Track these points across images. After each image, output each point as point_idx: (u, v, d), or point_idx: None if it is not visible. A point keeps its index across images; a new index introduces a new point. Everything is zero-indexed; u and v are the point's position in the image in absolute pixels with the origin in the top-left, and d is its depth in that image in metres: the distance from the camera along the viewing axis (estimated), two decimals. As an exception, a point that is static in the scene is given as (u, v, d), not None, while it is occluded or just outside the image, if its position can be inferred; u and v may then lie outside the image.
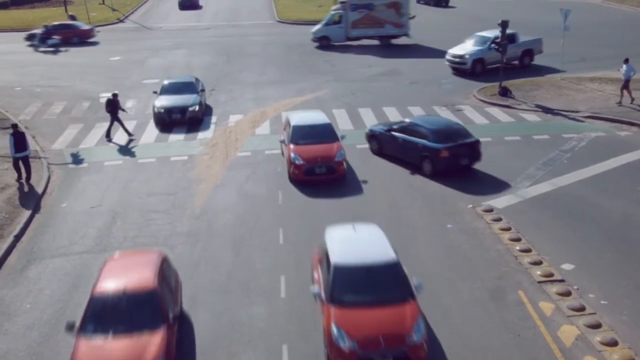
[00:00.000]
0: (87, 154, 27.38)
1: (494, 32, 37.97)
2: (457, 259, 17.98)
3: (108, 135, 29.32)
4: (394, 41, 50.53)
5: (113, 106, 29.28)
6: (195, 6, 77.09)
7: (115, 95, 29.65)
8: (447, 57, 40.47)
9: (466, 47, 40.01)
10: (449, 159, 23.37)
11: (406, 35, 50.09)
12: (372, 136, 26.59)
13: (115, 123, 29.35)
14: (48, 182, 24.26)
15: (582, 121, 30.03)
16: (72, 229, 20.41)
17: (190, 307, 15.95)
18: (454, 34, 47.26)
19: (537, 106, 32.24)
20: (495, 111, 32.06)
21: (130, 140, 28.90)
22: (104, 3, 75.64)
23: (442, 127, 24.37)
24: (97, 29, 60.62)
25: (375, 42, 50.47)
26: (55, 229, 20.57)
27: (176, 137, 29.22)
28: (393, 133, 25.23)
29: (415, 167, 24.26)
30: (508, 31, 35.16)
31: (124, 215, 21.30)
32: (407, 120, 25.94)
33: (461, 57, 39.46)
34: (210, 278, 17.33)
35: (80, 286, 16.97)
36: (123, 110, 30.11)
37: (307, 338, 14.61)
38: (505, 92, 34.08)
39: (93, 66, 44.98)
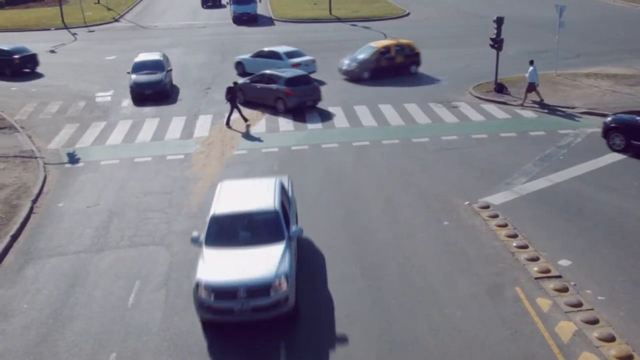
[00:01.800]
0: (83, 153, 27.33)
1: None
2: (454, 256, 17.99)
3: (228, 123, 30.25)
4: None
5: (233, 94, 30.22)
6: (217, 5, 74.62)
7: (235, 84, 30.93)
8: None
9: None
10: None
11: None
12: None
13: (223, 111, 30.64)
14: (44, 182, 24.22)
15: (578, 117, 30.10)
16: (69, 229, 20.38)
17: (188, 306, 15.96)
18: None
19: (533, 102, 32.27)
20: (491, 108, 32.08)
21: (247, 127, 30.04)
22: (99, 2, 75.44)
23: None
24: (92, 28, 60.59)
25: None
26: (52, 229, 20.54)
27: (172, 136, 29.21)
28: None
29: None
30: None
31: (121, 215, 21.27)
32: None
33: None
34: (207, 277, 17.28)
35: (78, 285, 16.97)
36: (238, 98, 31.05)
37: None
38: (500, 89, 34.10)
39: (89, 65, 44.88)
